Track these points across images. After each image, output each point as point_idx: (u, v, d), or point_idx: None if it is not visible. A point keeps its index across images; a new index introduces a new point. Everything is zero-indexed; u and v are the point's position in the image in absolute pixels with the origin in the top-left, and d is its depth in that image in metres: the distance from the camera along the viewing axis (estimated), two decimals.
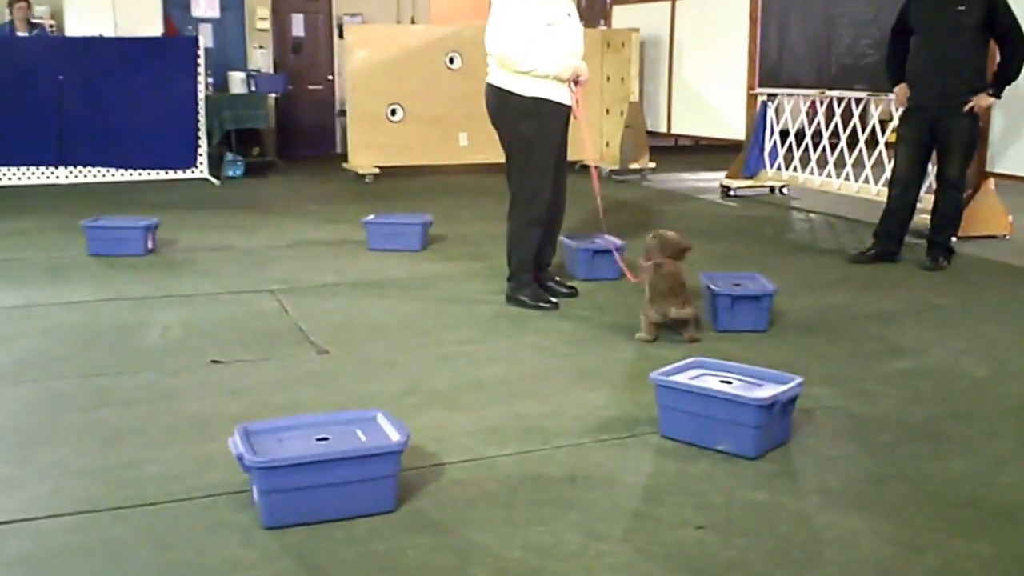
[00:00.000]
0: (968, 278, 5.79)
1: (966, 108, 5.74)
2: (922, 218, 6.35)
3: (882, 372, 3.96)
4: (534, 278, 5.00)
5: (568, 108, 4.81)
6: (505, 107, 4.74)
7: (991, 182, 6.99)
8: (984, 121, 6.62)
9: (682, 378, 3.24)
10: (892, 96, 6.29)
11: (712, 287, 4.55)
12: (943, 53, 5.79)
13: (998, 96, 5.85)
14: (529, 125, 4.71)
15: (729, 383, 3.21)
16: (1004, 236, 7.01)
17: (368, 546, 2.49)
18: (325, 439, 2.73)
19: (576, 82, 4.78)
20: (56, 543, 2.50)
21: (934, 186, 6.19)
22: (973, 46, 5.76)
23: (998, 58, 5.85)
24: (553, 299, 4.94)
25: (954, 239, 6.17)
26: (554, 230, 5.12)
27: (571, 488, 2.86)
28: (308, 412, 3.21)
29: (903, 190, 6.09)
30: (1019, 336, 4.53)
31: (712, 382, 3.22)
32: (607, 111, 10.80)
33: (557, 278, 5.25)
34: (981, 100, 5.77)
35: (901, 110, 6.19)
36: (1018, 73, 5.78)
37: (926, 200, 6.32)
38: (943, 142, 5.90)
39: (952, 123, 5.79)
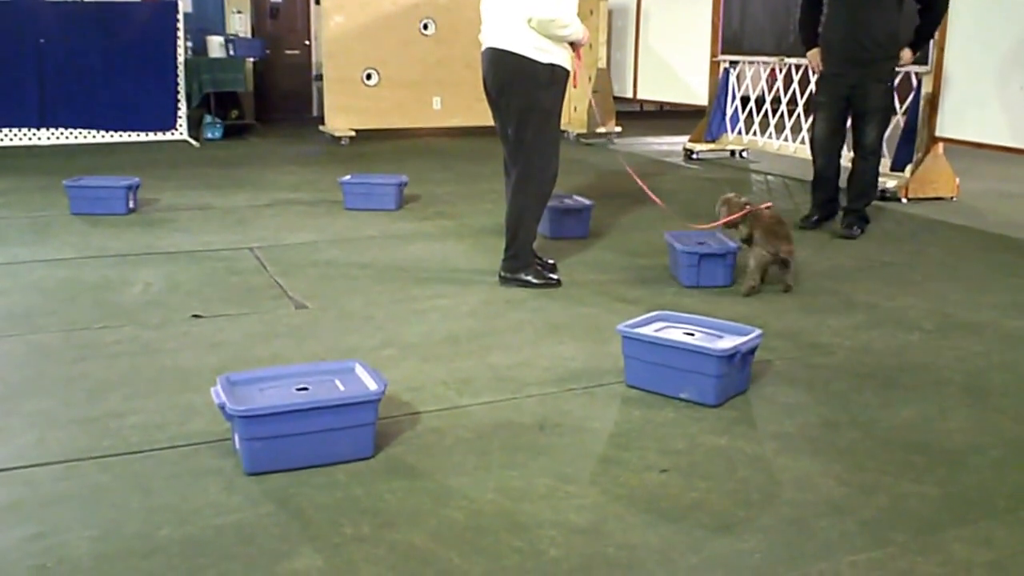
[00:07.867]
0: (917, 237, 5.96)
1: (901, 61, 5.73)
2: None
3: (836, 325, 4.10)
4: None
5: (568, 73, 4.49)
6: (524, 75, 4.32)
7: (940, 146, 7.16)
8: (935, 87, 6.78)
9: (647, 330, 3.33)
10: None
11: (678, 245, 4.65)
12: (860, 18, 5.61)
13: (916, 52, 5.81)
14: (547, 93, 4.38)
15: (692, 335, 3.32)
16: (951, 198, 7.22)
17: (348, 491, 2.55)
18: (305, 389, 2.78)
19: (577, 46, 4.47)
20: (45, 490, 2.55)
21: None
22: (889, 11, 5.60)
23: (916, 20, 5.79)
24: (555, 274, 4.67)
25: (868, 208, 6.02)
26: None
27: (541, 435, 2.94)
28: (288, 364, 3.27)
29: (827, 161, 5.97)
30: (964, 291, 4.69)
31: (675, 334, 3.32)
32: None
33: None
34: (906, 54, 5.73)
35: (816, 76, 6.01)
36: (935, 30, 5.87)
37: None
38: (860, 108, 5.75)
39: (870, 89, 5.68)
